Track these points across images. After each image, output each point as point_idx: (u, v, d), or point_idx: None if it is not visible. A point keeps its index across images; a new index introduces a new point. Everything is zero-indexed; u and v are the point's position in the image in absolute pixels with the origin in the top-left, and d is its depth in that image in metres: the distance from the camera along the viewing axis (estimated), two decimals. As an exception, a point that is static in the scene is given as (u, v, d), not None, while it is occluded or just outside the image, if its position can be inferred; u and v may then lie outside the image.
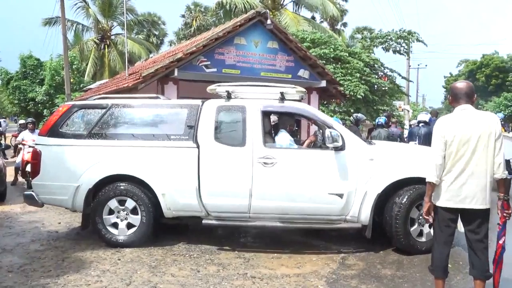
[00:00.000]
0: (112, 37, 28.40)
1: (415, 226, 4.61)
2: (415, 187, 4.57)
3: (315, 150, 5.00)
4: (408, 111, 22.72)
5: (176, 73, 9.36)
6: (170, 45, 34.22)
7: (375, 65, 17.22)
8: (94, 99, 5.36)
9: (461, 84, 3.20)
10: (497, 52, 42.14)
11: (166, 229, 5.22)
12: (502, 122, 11.97)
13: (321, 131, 5.06)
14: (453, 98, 3.20)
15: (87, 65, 25.89)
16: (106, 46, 27.74)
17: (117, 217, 4.84)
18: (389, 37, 19.11)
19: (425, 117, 8.56)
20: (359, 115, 9.51)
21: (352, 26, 38.39)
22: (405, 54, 20.09)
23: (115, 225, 4.83)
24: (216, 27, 14.66)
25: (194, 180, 4.68)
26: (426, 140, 8.28)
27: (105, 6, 26.89)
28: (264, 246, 5.03)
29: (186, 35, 32.31)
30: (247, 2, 22.27)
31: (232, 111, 4.89)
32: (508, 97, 33.69)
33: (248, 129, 4.73)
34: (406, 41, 19.02)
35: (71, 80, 17.81)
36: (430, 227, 4.67)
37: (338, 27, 32.33)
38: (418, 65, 40.04)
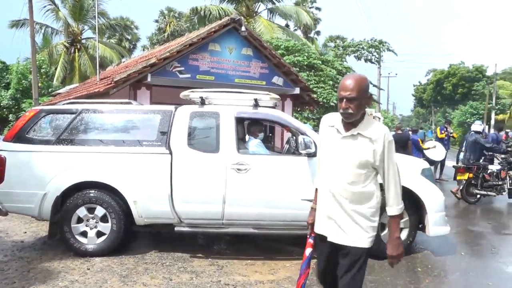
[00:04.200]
0: (83, 41, 27.79)
1: (386, 231, 4.70)
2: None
3: (288, 157, 5.03)
4: (379, 118, 23.26)
5: (149, 79, 9.26)
6: (143, 50, 33.89)
7: (348, 73, 17.58)
8: (64, 104, 5.21)
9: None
10: (463, 62, 43.97)
11: (137, 238, 5.12)
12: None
13: (294, 137, 5.11)
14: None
15: (56, 69, 25.17)
16: (76, 50, 27.11)
17: (86, 226, 4.70)
18: (361, 46, 19.65)
19: (479, 127, 9.10)
20: None
21: (325, 35, 39.24)
22: (376, 62, 20.72)
23: (84, 234, 4.69)
24: (190, 33, 14.61)
25: (167, 187, 4.61)
26: (471, 148, 8.80)
27: (76, 9, 26.32)
28: (238, 253, 5.00)
29: (159, 40, 32.09)
30: (222, 8, 22.37)
31: (206, 117, 4.86)
32: (474, 105, 35.18)
33: (222, 135, 4.71)
34: (377, 50, 19.59)
35: (39, 84, 17.29)
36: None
37: (312, 35, 32.89)
38: (389, 73, 41.32)
